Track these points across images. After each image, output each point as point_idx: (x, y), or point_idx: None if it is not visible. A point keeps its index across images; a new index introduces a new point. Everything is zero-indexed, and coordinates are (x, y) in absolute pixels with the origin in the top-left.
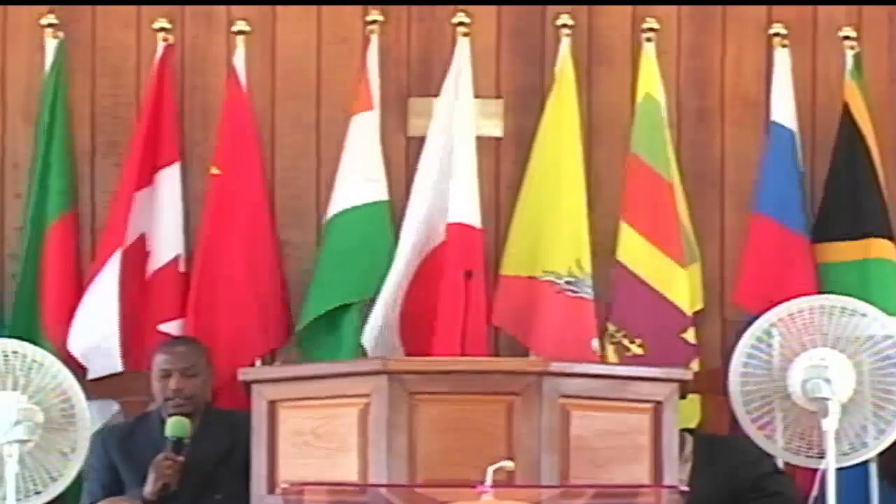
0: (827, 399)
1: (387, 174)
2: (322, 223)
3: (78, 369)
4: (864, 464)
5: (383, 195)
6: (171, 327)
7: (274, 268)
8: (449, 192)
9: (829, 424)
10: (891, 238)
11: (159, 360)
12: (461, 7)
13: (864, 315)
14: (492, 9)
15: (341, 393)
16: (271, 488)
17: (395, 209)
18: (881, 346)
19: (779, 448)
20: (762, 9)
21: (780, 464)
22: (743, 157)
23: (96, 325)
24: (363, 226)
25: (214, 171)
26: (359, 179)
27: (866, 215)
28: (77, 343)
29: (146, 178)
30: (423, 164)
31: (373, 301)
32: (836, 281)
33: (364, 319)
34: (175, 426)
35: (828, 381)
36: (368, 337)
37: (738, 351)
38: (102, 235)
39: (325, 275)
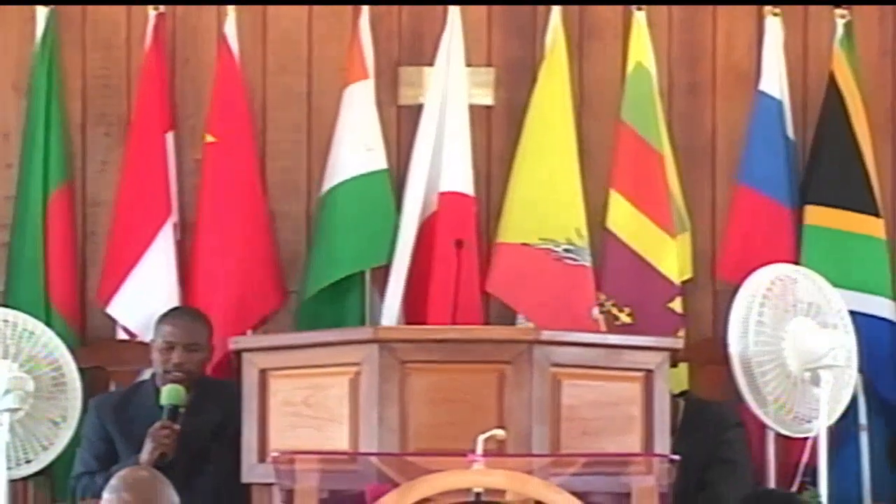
0: (837, 367)
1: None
2: (313, 195)
3: (83, 335)
4: (857, 438)
5: (383, 164)
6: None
7: (267, 236)
8: (442, 161)
9: (823, 392)
10: (872, 212)
11: (164, 331)
12: None
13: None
14: None
15: (332, 362)
16: (262, 457)
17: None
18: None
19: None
20: None
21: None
22: (734, 129)
23: (155, 294)
24: (365, 195)
25: (210, 138)
26: (358, 149)
27: (847, 188)
28: (129, 311)
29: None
30: (420, 133)
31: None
32: (816, 244)
33: (364, 291)
34: (170, 394)
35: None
36: (388, 313)
37: (738, 317)
38: (145, 208)
39: (330, 245)
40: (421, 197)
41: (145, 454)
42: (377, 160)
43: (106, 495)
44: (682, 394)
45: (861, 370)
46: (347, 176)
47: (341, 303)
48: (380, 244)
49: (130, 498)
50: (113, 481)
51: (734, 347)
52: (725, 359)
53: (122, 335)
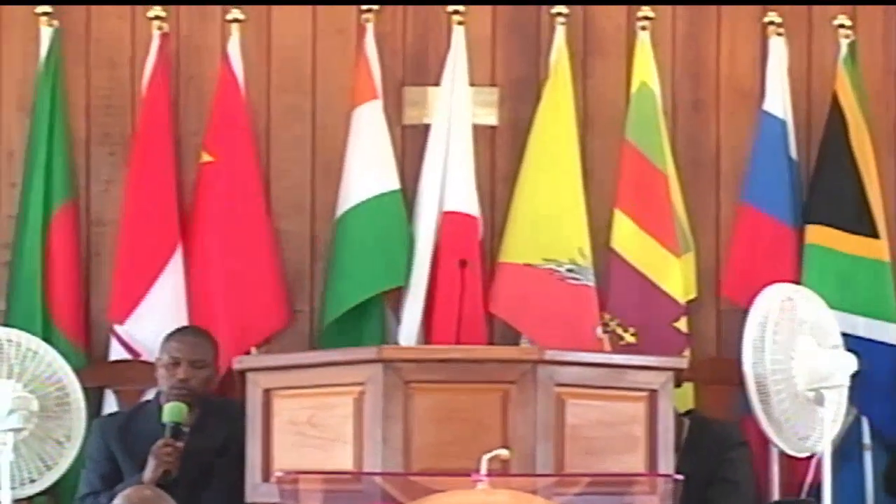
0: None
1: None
2: (318, 214)
3: (87, 354)
4: (861, 458)
5: (396, 184)
6: None
7: (271, 255)
8: (446, 182)
9: (828, 412)
10: (869, 233)
11: (170, 347)
12: None
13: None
14: None
15: (336, 381)
16: (266, 477)
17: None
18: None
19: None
20: None
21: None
22: (738, 147)
23: (168, 315)
24: (380, 216)
25: (206, 157)
26: (371, 170)
27: (845, 210)
28: (143, 331)
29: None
30: (428, 153)
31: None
32: (817, 264)
33: (383, 312)
34: (172, 411)
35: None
36: (407, 334)
37: (752, 337)
38: (156, 228)
39: (349, 268)
40: (435, 218)
41: (148, 472)
42: (391, 181)
43: None
44: (688, 413)
45: (851, 399)
46: (361, 198)
47: (360, 325)
48: (396, 265)
49: None
50: (117, 500)
51: (749, 367)
52: (730, 378)
53: (115, 356)
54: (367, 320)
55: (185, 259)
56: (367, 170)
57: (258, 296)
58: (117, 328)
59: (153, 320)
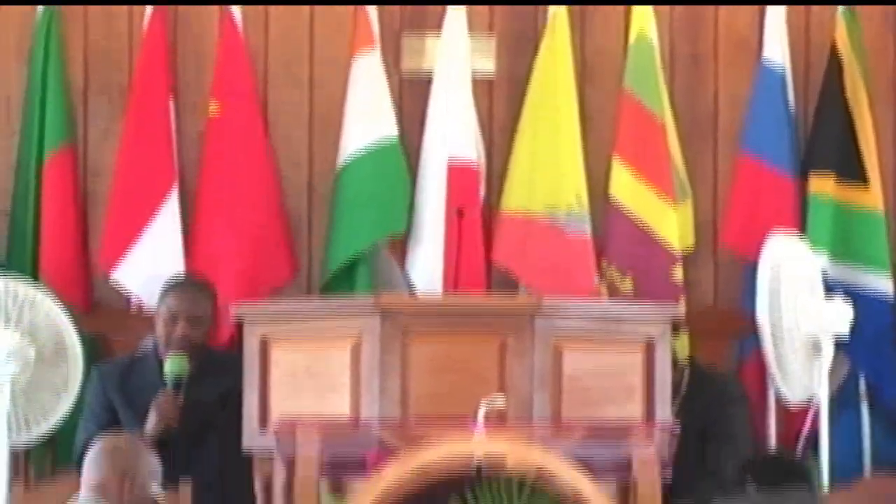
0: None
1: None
2: (315, 166)
3: (77, 306)
4: (857, 407)
5: (394, 131)
6: None
7: (276, 208)
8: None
9: (825, 361)
10: (862, 181)
11: (170, 303)
12: None
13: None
14: None
15: (333, 331)
16: (263, 425)
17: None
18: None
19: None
20: None
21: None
22: (736, 99)
23: (161, 262)
24: (380, 165)
25: (213, 106)
26: (370, 119)
27: (843, 159)
28: (134, 278)
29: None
30: (432, 102)
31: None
32: (820, 214)
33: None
34: (174, 364)
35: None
36: (420, 278)
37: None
38: (149, 175)
39: (351, 217)
40: (441, 166)
41: (150, 426)
42: (390, 128)
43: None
44: (687, 361)
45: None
46: (359, 147)
47: (354, 279)
48: (396, 212)
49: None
50: (92, 449)
51: (764, 314)
52: (726, 328)
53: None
54: (359, 275)
55: (183, 210)
56: (365, 118)
57: (266, 249)
58: (113, 276)
59: (144, 268)
